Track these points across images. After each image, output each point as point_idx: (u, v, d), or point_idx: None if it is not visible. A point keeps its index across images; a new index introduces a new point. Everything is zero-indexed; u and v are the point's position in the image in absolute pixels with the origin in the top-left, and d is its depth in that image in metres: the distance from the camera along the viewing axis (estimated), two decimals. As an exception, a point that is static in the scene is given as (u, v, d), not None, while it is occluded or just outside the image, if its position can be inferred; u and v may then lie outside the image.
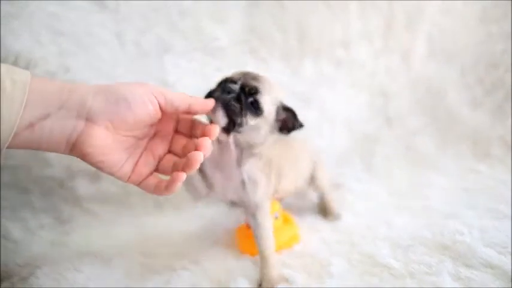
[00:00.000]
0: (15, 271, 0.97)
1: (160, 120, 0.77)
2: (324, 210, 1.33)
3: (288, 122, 0.94)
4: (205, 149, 0.71)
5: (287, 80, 1.57)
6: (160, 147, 0.78)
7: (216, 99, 0.80)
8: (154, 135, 0.78)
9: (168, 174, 0.76)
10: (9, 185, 1.29)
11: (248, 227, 1.07)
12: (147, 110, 0.70)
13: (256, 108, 0.86)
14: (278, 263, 0.98)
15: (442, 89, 1.73)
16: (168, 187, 0.72)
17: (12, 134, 0.61)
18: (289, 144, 1.14)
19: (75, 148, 0.68)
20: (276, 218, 1.10)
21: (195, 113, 0.76)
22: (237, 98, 0.83)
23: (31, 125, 0.63)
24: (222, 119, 0.82)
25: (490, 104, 1.72)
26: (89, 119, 0.67)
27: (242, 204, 1.00)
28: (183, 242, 1.18)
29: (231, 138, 0.89)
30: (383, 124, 1.74)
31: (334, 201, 1.34)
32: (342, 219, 1.28)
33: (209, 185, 0.98)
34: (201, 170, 0.96)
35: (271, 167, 1.02)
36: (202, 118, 0.83)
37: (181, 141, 0.79)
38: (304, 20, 1.55)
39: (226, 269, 1.00)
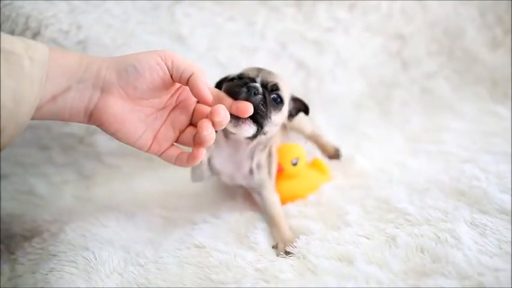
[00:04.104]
0: (45, 227, 1.01)
1: (181, 91, 0.78)
2: (323, 150, 1.32)
3: (293, 109, 1.01)
4: (218, 116, 0.72)
5: (300, 26, 1.54)
6: (181, 119, 0.79)
7: (245, 99, 0.82)
8: (176, 106, 0.79)
9: (189, 146, 0.78)
10: (30, 142, 1.32)
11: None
12: (156, 73, 0.71)
13: (278, 103, 0.90)
14: (287, 226, 0.99)
15: (460, 29, 1.67)
16: (188, 161, 0.75)
17: (33, 111, 0.64)
18: None
19: (92, 117, 0.71)
20: (295, 164, 1.11)
21: (194, 87, 0.72)
22: (263, 99, 0.86)
23: (54, 98, 0.66)
24: (250, 129, 0.85)
25: (511, 43, 1.67)
26: (104, 89, 0.70)
27: (248, 187, 1.06)
28: (201, 194, 1.21)
29: (254, 142, 0.94)
30: (399, 67, 1.70)
31: (323, 135, 1.34)
32: (356, 163, 1.27)
33: (215, 172, 1.03)
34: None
35: (272, 149, 1.07)
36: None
37: (204, 114, 0.77)
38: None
39: (245, 220, 1.02)
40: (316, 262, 0.80)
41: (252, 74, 0.90)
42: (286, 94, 0.93)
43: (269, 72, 0.93)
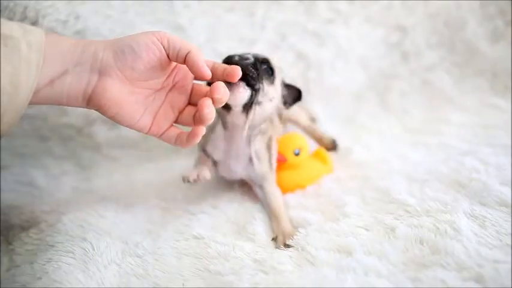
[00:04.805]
0: (43, 218, 1.01)
1: (177, 71, 0.78)
2: (320, 143, 1.31)
3: (289, 97, 1.04)
4: (218, 92, 0.72)
5: (300, 18, 1.53)
6: (179, 100, 0.79)
7: (235, 64, 0.81)
8: (173, 87, 0.79)
9: (189, 125, 0.78)
10: (29, 133, 1.31)
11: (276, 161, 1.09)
12: (153, 52, 0.71)
13: (269, 74, 0.93)
14: (288, 219, 0.99)
15: (461, 21, 1.66)
16: (188, 140, 0.75)
17: (31, 95, 0.64)
18: None
19: (91, 101, 0.71)
20: (297, 154, 1.10)
21: (193, 64, 0.72)
22: (253, 65, 0.88)
23: (51, 81, 0.67)
24: (245, 92, 0.87)
25: (512, 35, 1.66)
26: (101, 72, 0.70)
27: (249, 179, 1.07)
28: (200, 185, 1.19)
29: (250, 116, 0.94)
30: (399, 59, 1.69)
31: (318, 127, 1.34)
32: (354, 153, 1.27)
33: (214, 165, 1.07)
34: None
35: (271, 141, 1.08)
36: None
37: (202, 92, 0.79)
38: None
39: (244, 211, 1.02)
40: (315, 253, 0.80)
41: (245, 53, 0.93)
42: (277, 71, 0.97)
43: (261, 54, 0.96)
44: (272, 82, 0.95)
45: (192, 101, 0.80)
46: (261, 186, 1.06)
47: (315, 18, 1.54)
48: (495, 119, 1.42)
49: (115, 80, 0.71)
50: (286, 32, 1.52)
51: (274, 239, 0.92)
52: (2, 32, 0.61)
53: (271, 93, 0.94)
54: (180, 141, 0.77)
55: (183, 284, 0.79)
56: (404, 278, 0.70)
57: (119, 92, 0.72)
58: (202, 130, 0.74)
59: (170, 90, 0.79)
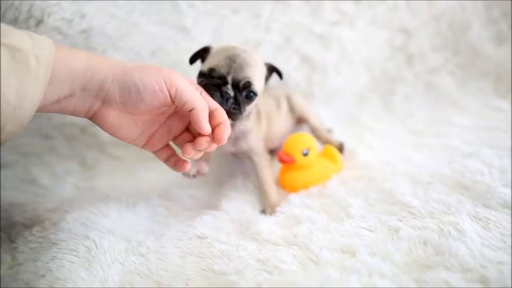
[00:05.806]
0: (46, 216, 1.01)
1: None
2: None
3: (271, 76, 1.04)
4: (200, 146, 0.78)
5: (305, 19, 1.53)
6: (177, 126, 0.83)
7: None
8: (174, 112, 0.82)
9: (181, 148, 0.82)
10: (32, 132, 1.32)
11: (285, 163, 1.10)
12: (157, 98, 0.73)
13: (250, 97, 0.92)
14: (275, 191, 1.08)
15: (466, 23, 1.66)
16: (176, 167, 0.85)
17: (36, 108, 0.65)
18: (267, 92, 1.17)
19: (92, 119, 0.75)
20: (305, 155, 1.09)
21: (196, 122, 0.76)
22: (235, 98, 0.89)
23: (59, 101, 0.68)
24: None
25: (516, 38, 1.65)
26: (105, 101, 0.73)
27: (239, 152, 1.10)
28: (203, 185, 1.20)
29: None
30: (403, 62, 1.69)
31: (330, 136, 1.34)
32: (358, 155, 1.26)
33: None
34: None
35: (261, 115, 1.11)
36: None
37: None
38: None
39: (247, 211, 1.02)
40: (318, 252, 0.80)
41: (223, 71, 0.89)
42: (259, 75, 0.95)
43: (241, 66, 0.90)
44: (254, 99, 0.93)
45: (190, 128, 0.85)
46: (250, 158, 1.09)
47: (321, 20, 1.54)
48: (498, 121, 1.41)
49: (116, 110, 0.74)
50: (291, 34, 1.51)
51: (263, 211, 1.03)
52: (11, 43, 0.61)
53: (253, 104, 0.96)
54: (169, 163, 0.85)
55: (186, 283, 0.79)
56: (408, 279, 0.70)
57: (118, 119, 0.76)
58: (187, 166, 0.85)
59: (170, 116, 0.82)
